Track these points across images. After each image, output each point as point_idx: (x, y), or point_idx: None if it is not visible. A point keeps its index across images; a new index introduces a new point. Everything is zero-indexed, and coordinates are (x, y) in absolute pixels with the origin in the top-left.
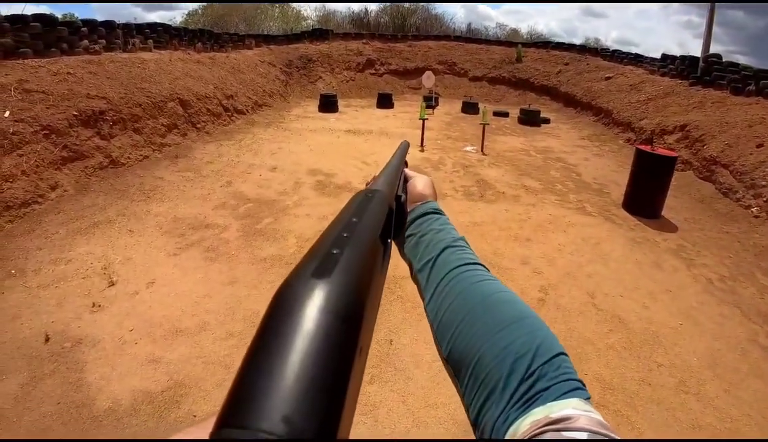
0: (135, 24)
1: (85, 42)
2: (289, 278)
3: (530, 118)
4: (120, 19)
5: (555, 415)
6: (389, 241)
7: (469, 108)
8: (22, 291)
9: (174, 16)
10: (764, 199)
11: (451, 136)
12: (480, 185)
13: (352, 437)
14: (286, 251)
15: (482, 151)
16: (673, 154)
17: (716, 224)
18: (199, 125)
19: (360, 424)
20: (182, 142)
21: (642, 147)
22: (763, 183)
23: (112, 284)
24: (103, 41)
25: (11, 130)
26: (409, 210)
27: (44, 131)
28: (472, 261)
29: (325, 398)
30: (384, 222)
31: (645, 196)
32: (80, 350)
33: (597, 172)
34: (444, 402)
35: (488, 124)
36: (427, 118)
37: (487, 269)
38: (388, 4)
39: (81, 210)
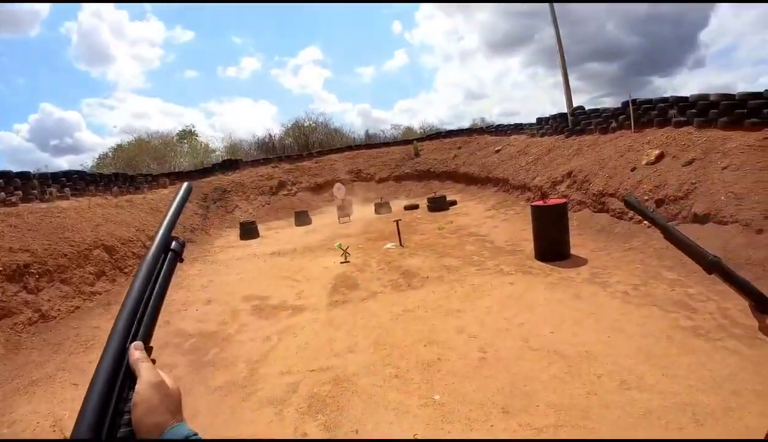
0: (51, 173)
1: (2, 194)
2: None
3: (438, 205)
4: (29, 166)
5: None
6: None
7: (382, 209)
8: None
9: (84, 160)
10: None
11: (371, 237)
12: (405, 276)
13: None
14: (238, 375)
15: (401, 244)
16: (562, 200)
17: (619, 245)
18: (126, 270)
19: None
20: (112, 288)
21: (535, 203)
22: (645, 198)
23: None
24: (20, 192)
25: None
26: None
27: None
28: None
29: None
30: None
31: (551, 243)
32: None
33: (507, 236)
34: None
35: (345, 248)
36: (345, 248)
37: None
38: (288, 128)
39: (15, 370)
